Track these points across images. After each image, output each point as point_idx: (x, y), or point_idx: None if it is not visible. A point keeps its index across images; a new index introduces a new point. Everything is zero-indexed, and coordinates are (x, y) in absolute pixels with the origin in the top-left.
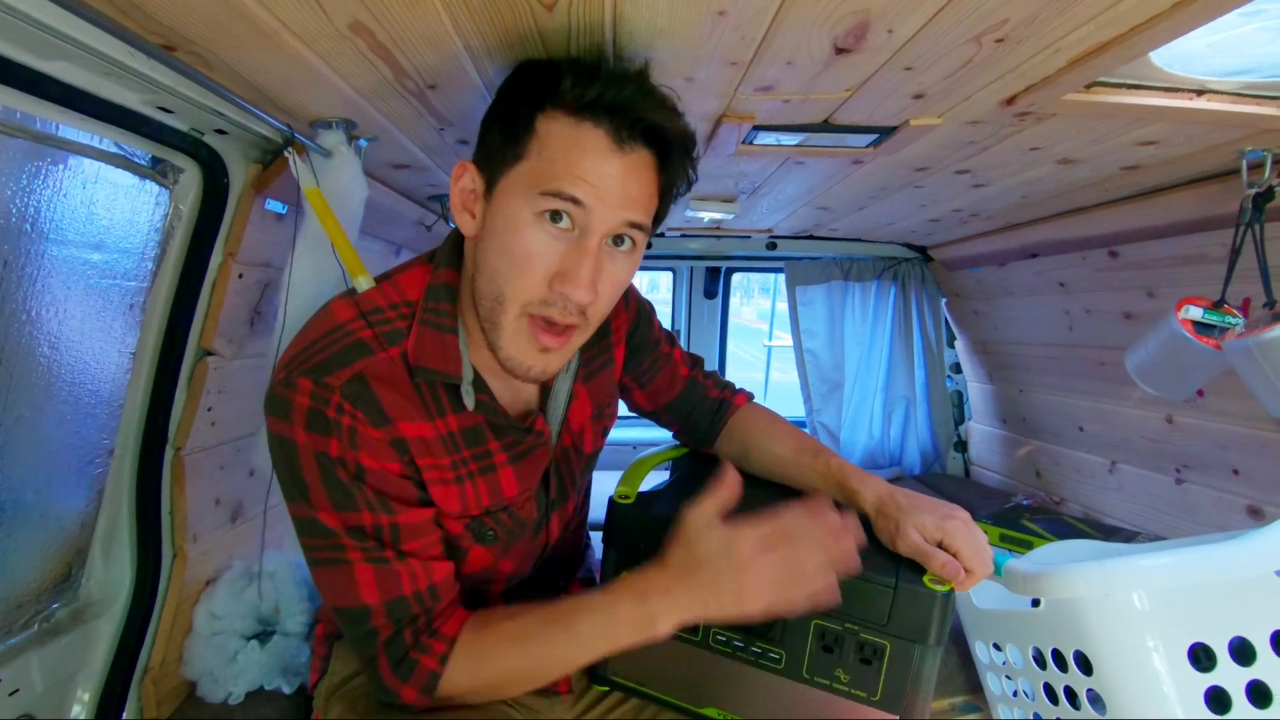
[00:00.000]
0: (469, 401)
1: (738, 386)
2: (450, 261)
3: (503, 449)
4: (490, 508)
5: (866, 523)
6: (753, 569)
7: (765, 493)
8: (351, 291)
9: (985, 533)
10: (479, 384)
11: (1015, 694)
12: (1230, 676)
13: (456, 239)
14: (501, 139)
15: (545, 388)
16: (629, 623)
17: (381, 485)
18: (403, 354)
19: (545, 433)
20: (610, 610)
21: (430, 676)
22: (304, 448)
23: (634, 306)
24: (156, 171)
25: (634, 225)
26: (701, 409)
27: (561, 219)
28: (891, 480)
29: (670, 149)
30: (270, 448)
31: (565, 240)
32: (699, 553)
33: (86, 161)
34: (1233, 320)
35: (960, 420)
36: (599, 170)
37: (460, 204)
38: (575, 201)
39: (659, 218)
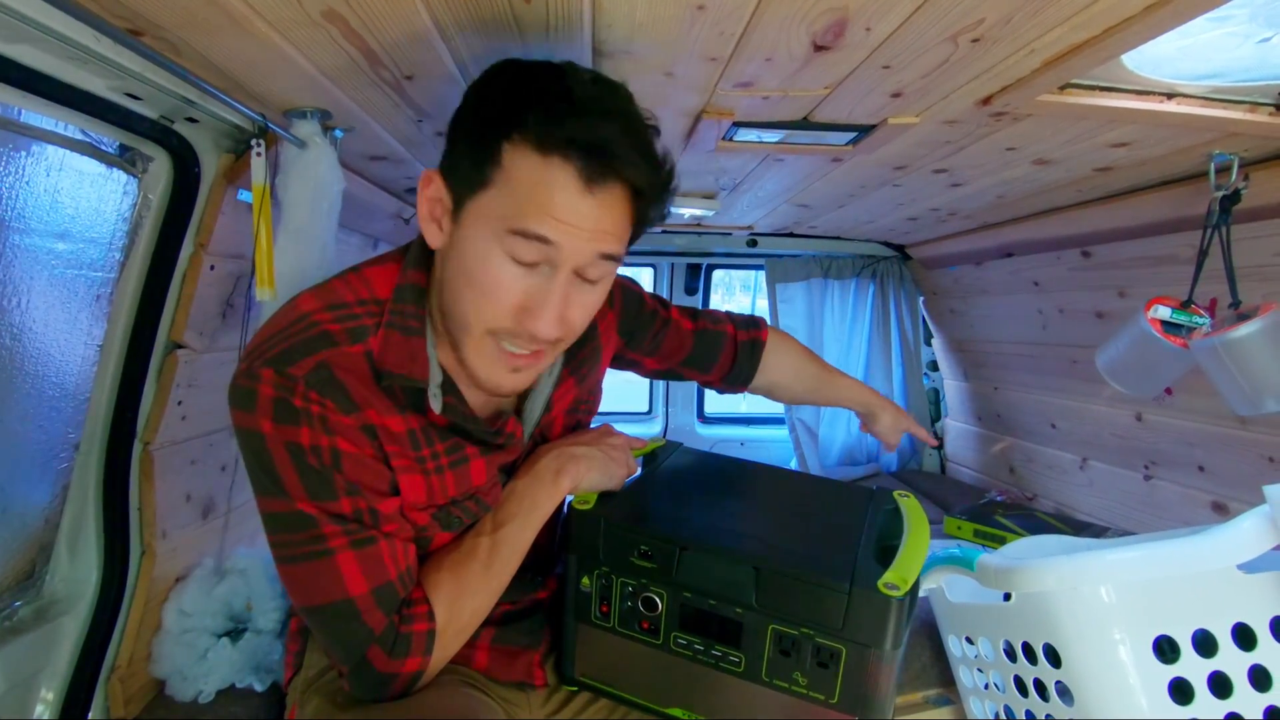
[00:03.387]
0: (435, 405)
1: (754, 317)
2: (420, 263)
3: (471, 444)
4: (457, 497)
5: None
6: (605, 441)
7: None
8: (319, 285)
9: (960, 528)
10: (448, 385)
11: (986, 687)
12: (1193, 668)
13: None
14: (468, 160)
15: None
16: (536, 486)
17: (356, 471)
18: (367, 352)
19: (517, 434)
20: (515, 488)
21: (428, 636)
22: (271, 438)
23: (618, 301)
24: (124, 160)
25: (606, 256)
26: (738, 353)
27: (529, 256)
28: (868, 477)
29: (642, 193)
30: (238, 442)
31: (534, 275)
32: (574, 438)
33: (50, 148)
34: (1199, 320)
35: (936, 417)
36: (569, 207)
37: (427, 214)
38: (544, 240)
39: (633, 240)
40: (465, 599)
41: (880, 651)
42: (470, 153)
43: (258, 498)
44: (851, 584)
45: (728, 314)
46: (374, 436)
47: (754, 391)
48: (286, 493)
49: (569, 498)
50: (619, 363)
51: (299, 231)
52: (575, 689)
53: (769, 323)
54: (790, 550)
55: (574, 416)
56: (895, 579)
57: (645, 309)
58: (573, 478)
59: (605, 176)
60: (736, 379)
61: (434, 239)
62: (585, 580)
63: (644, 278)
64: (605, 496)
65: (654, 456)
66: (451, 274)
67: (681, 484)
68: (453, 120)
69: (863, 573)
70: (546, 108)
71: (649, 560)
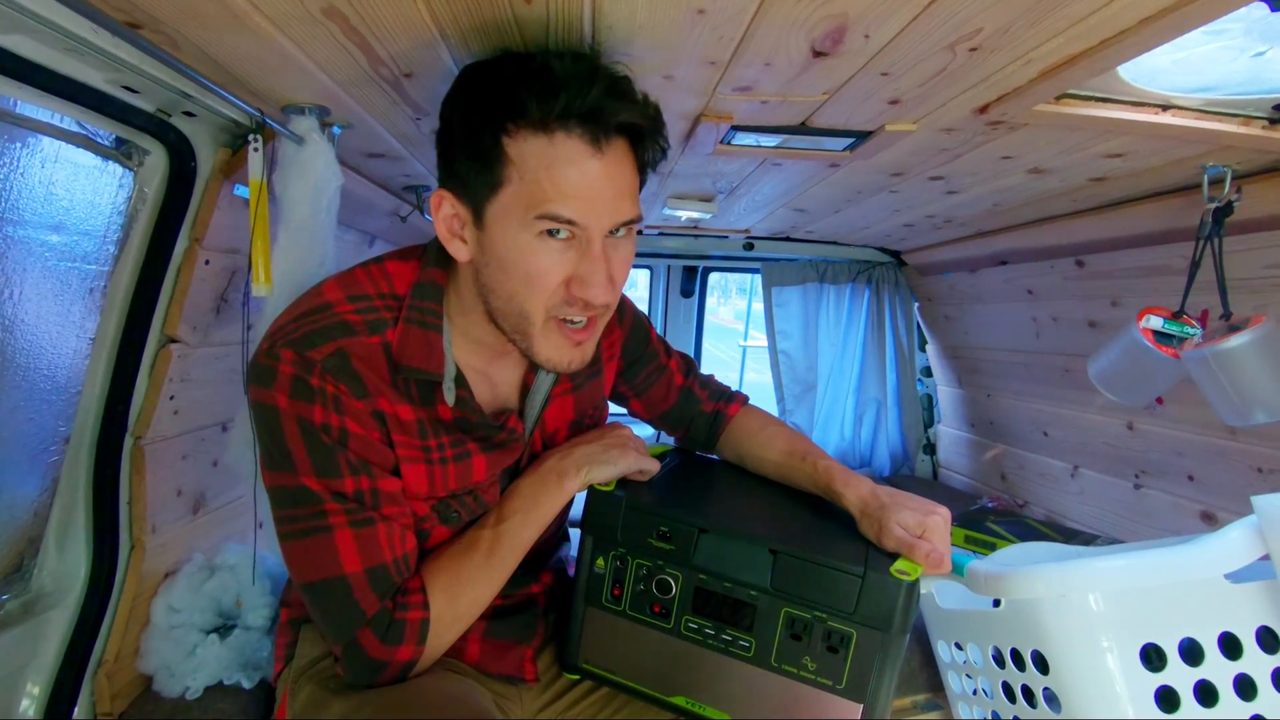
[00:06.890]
0: (449, 398)
1: (732, 391)
2: (439, 261)
3: (475, 439)
4: (456, 491)
5: (853, 522)
6: (609, 436)
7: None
8: (344, 273)
9: (952, 534)
10: (460, 380)
11: (975, 692)
12: (1179, 677)
13: None
14: (474, 168)
15: (525, 386)
16: (540, 486)
17: (363, 450)
18: (384, 344)
19: (519, 430)
20: (520, 486)
21: (422, 625)
22: (286, 413)
23: (629, 321)
24: (120, 153)
25: (628, 221)
26: (699, 422)
27: (561, 233)
28: None
29: (643, 134)
30: (253, 418)
31: (571, 248)
32: (578, 440)
33: (46, 140)
34: (1191, 330)
35: (929, 423)
36: (583, 179)
37: (448, 232)
38: (570, 223)
39: (640, 188)
40: (463, 589)
41: (888, 635)
42: (473, 160)
43: (266, 473)
44: (865, 568)
45: (711, 381)
46: (383, 423)
47: (727, 459)
48: (294, 467)
49: (579, 495)
50: (612, 393)
51: (299, 228)
52: (574, 681)
53: (746, 396)
54: (805, 537)
55: (579, 430)
56: (905, 567)
57: (650, 344)
58: (575, 479)
59: (608, 134)
60: (695, 441)
61: (461, 254)
62: (600, 561)
63: (640, 279)
64: (624, 482)
65: (661, 459)
66: (496, 279)
67: (693, 480)
68: (440, 138)
69: (875, 559)
70: (536, 90)
71: (667, 542)
